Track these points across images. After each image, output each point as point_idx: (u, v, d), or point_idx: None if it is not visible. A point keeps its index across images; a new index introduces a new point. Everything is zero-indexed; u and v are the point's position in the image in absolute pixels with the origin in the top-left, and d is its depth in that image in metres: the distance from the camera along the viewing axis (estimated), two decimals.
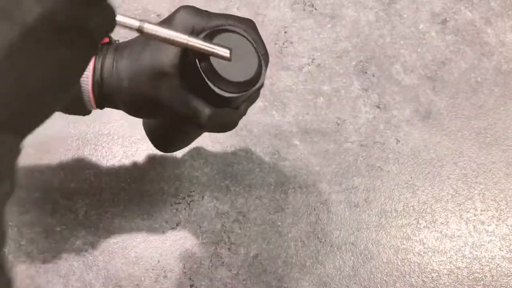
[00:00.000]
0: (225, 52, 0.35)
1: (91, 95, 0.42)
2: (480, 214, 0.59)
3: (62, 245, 0.56)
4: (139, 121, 0.63)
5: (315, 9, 0.71)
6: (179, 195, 0.59)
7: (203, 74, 0.36)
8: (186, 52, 0.36)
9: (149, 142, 0.62)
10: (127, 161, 0.61)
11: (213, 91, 0.36)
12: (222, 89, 0.36)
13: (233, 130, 0.62)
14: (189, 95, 0.38)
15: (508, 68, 0.67)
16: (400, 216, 0.58)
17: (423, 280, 0.55)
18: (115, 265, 0.55)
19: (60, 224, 0.57)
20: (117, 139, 0.62)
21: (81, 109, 0.44)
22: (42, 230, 0.57)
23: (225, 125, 0.42)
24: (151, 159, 0.61)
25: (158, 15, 0.68)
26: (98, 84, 0.41)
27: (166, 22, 0.38)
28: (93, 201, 0.58)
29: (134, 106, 0.42)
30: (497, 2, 0.72)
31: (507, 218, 0.59)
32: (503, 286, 0.56)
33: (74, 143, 0.61)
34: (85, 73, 0.40)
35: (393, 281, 0.55)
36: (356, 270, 0.56)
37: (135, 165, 0.60)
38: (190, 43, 0.35)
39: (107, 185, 0.59)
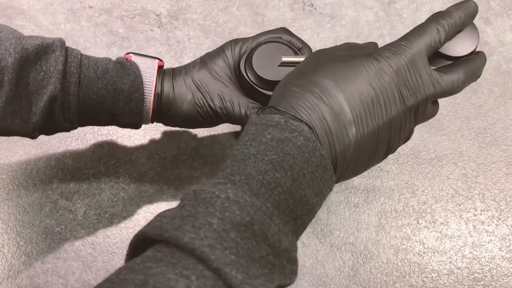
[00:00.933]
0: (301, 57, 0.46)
1: (150, 112, 0.47)
2: (480, 214, 0.59)
3: (61, 245, 0.56)
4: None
5: (315, 8, 0.70)
6: (179, 195, 0.59)
7: (251, 83, 0.46)
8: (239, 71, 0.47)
9: (148, 143, 0.62)
10: (126, 161, 0.60)
11: (261, 92, 0.46)
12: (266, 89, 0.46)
13: (231, 130, 0.62)
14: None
15: (508, 68, 0.67)
16: (400, 216, 0.58)
17: (423, 280, 0.55)
18: (115, 266, 0.55)
19: (59, 225, 0.57)
20: (117, 139, 0.62)
21: (136, 124, 0.48)
22: (41, 231, 0.57)
23: None
24: (151, 159, 0.61)
25: (157, 15, 0.68)
26: (158, 103, 0.47)
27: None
28: (92, 201, 0.58)
29: (192, 121, 0.48)
30: (496, 2, 0.71)
31: (507, 218, 0.59)
32: (503, 286, 0.55)
33: (74, 143, 0.61)
34: (148, 89, 0.46)
35: (393, 281, 0.55)
36: (355, 270, 0.56)
37: (134, 165, 0.60)
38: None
39: (106, 185, 0.59)
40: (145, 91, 0.46)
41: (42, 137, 0.61)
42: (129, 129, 0.62)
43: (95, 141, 0.61)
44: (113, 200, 0.58)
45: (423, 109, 0.34)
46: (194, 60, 0.49)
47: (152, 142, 0.62)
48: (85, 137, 0.61)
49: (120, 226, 0.57)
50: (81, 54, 0.45)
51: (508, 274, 0.56)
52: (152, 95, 0.46)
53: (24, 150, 0.60)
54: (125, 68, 0.45)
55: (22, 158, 0.60)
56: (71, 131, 0.61)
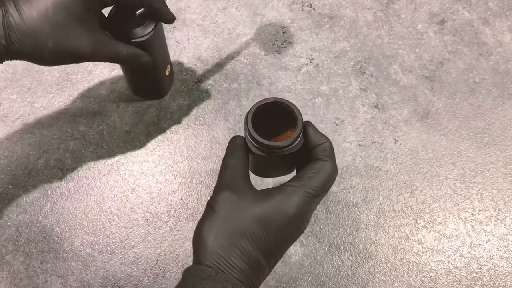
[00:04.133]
0: None
1: None
2: (478, 214, 0.59)
3: (60, 245, 0.56)
4: (137, 121, 0.63)
5: (314, 9, 0.71)
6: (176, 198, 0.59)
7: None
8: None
9: (147, 142, 0.62)
10: (125, 161, 0.61)
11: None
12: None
13: (231, 130, 0.62)
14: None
15: (506, 68, 0.67)
16: (399, 216, 0.58)
17: (421, 280, 0.56)
18: (114, 265, 0.55)
19: (59, 224, 0.57)
20: (116, 139, 0.62)
21: None
22: (41, 231, 0.57)
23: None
24: (150, 157, 0.61)
25: None
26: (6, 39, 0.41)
27: None
28: (91, 201, 0.58)
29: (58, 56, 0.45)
30: (495, 3, 0.72)
31: (505, 218, 0.59)
32: (501, 286, 0.56)
33: (73, 143, 0.61)
34: None
35: (392, 281, 0.55)
36: (354, 270, 0.56)
37: (133, 164, 0.60)
38: None
39: (105, 185, 0.59)
40: None
41: (42, 137, 0.61)
42: (128, 130, 0.62)
43: (95, 141, 0.61)
44: (112, 200, 0.58)
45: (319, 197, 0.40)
46: None
47: (152, 141, 0.62)
48: (84, 137, 0.62)
49: (119, 226, 0.57)
50: None
51: (506, 273, 0.56)
52: None
53: (24, 150, 0.61)
54: None
55: (22, 158, 0.60)
56: (71, 132, 0.62)
